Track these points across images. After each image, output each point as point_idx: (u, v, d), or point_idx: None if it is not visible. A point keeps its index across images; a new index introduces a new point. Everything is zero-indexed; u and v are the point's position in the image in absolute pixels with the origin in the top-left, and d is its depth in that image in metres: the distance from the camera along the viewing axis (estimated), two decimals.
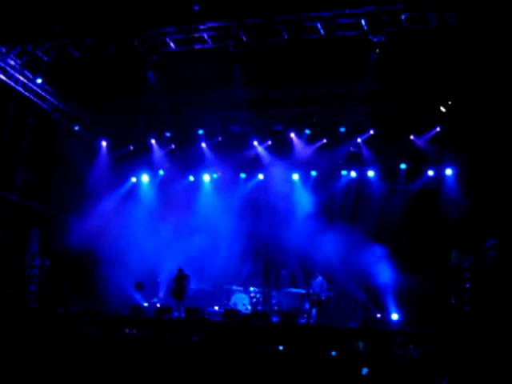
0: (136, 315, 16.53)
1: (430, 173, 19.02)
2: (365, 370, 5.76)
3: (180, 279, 18.36)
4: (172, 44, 15.98)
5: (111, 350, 5.90)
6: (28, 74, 17.60)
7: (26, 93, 18.23)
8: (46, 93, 18.81)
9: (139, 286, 18.72)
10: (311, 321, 17.39)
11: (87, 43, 16.15)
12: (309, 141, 19.83)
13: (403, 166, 19.37)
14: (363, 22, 14.36)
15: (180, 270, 18.42)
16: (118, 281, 18.54)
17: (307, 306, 18.03)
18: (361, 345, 14.11)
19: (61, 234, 18.96)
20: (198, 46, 15.91)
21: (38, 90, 18.47)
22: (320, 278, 17.77)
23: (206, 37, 15.62)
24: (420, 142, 18.72)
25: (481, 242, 16.32)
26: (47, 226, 19.91)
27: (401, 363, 7.32)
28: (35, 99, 18.63)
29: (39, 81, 17.75)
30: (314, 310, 17.55)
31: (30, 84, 18.03)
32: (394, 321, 17.42)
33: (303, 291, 18.69)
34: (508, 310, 14.58)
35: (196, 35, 15.59)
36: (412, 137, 18.74)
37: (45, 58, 16.84)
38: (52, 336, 7.01)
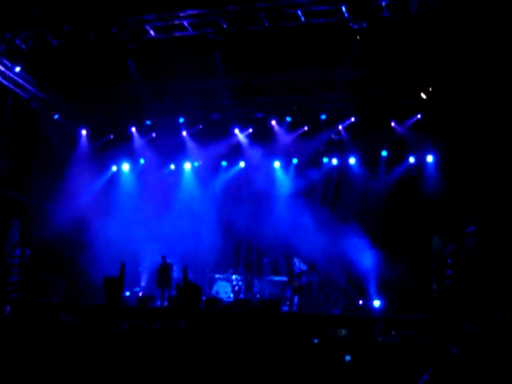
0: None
1: (411, 160, 19.07)
2: (347, 358, 5.76)
3: (164, 268, 18.39)
4: (152, 31, 15.84)
5: (93, 339, 5.86)
6: (6, 63, 17.37)
7: (4, 81, 18.01)
8: (25, 81, 18.57)
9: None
10: (294, 308, 17.47)
11: (66, 31, 15.96)
12: (290, 128, 19.78)
13: (384, 153, 19.41)
14: (344, 8, 14.31)
15: (163, 259, 18.43)
16: (100, 269, 18.49)
17: (289, 293, 18.12)
18: (343, 332, 14.17)
19: (41, 224, 18.80)
20: (178, 34, 15.77)
21: (17, 78, 18.23)
22: (297, 262, 17.98)
23: (186, 24, 15.47)
24: (401, 129, 18.75)
25: (461, 229, 16.40)
26: (28, 216, 19.75)
27: (383, 350, 7.35)
28: (14, 88, 18.42)
29: (18, 69, 17.54)
30: (296, 298, 17.64)
31: (9, 73, 17.78)
32: (375, 307, 17.51)
33: (285, 278, 18.76)
34: (487, 295, 14.71)
35: (176, 22, 15.44)
36: (393, 124, 18.76)
37: (23, 47, 16.63)
38: (33, 326, 6.96)
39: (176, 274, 18.77)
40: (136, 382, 5.34)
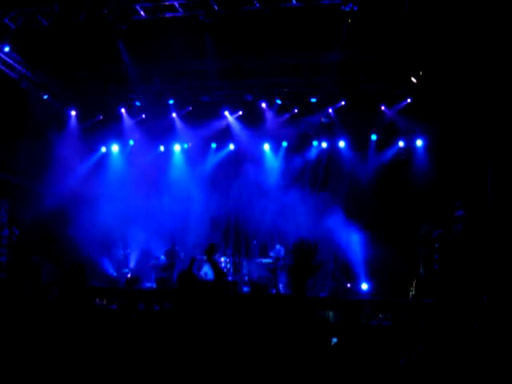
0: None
1: (401, 144, 19.12)
2: (334, 340, 5.80)
3: (171, 254, 18.60)
4: (142, 12, 15.72)
5: (81, 320, 5.87)
6: None
7: None
8: (14, 61, 18.40)
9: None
10: (280, 290, 17.59)
11: (56, 11, 15.85)
12: (280, 111, 19.78)
13: (374, 136, 19.43)
14: None
15: (173, 245, 18.67)
16: (88, 250, 18.52)
17: (279, 275, 18.25)
18: (331, 314, 14.25)
19: (30, 204, 18.78)
20: (168, 15, 15.70)
21: (6, 58, 18.07)
22: (278, 247, 18.15)
23: (176, 5, 15.40)
24: (391, 113, 18.77)
25: (450, 213, 16.48)
26: (16, 196, 19.72)
27: (370, 333, 7.40)
28: (3, 67, 18.29)
29: (7, 49, 17.39)
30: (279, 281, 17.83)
31: None
32: (363, 291, 17.61)
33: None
34: (474, 280, 14.82)
35: (166, 3, 15.36)
36: (383, 108, 18.79)
37: (12, 26, 16.52)
38: (22, 307, 6.95)
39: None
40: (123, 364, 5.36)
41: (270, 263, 18.59)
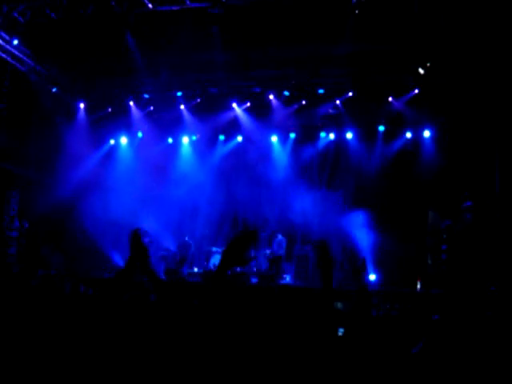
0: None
1: (408, 135, 19.10)
2: (341, 330, 5.85)
3: (184, 246, 18.74)
4: (150, 4, 15.80)
5: (93, 310, 5.94)
6: (4, 36, 17.31)
7: (2, 54, 17.96)
8: (24, 54, 18.52)
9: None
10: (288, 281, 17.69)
11: (64, 3, 15.94)
12: (288, 103, 19.83)
13: (382, 127, 19.43)
14: None
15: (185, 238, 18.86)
16: (98, 242, 18.63)
17: (285, 267, 18.35)
18: (339, 305, 14.31)
19: (40, 196, 18.89)
20: (176, 7, 15.75)
21: (15, 51, 18.18)
22: (280, 237, 18.23)
23: None
24: (399, 104, 18.76)
25: (458, 204, 16.50)
26: (26, 188, 19.84)
27: (376, 323, 7.46)
28: (12, 61, 18.39)
29: (16, 42, 17.52)
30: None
31: (7, 46, 17.74)
32: (371, 281, 17.65)
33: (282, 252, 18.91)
34: (482, 271, 14.84)
35: None
36: (391, 99, 18.79)
37: (21, 19, 16.61)
38: (32, 298, 7.03)
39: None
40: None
41: (269, 253, 18.66)
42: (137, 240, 5.75)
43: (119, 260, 19.04)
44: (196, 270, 19.22)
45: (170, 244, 19.43)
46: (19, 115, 18.98)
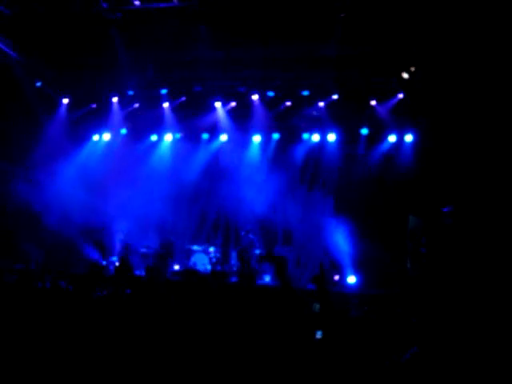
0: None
1: (391, 138, 19.20)
2: (319, 333, 5.91)
3: (167, 246, 18.74)
4: (137, 1, 15.77)
5: (74, 306, 5.96)
6: None
7: None
8: (9, 48, 18.42)
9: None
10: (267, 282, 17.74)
11: None
12: (272, 103, 19.88)
13: (365, 131, 19.52)
14: None
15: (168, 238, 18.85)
16: (72, 237, 18.56)
17: (265, 267, 18.36)
18: (317, 306, 14.36)
19: (17, 189, 18.72)
20: (163, 5, 15.74)
21: (0, 44, 18.09)
22: (251, 236, 18.31)
23: None
24: (382, 108, 18.88)
25: (438, 209, 16.60)
26: (2, 180, 19.63)
27: (355, 325, 7.51)
28: None
29: (2, 35, 17.42)
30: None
31: None
32: (351, 283, 17.73)
33: (261, 252, 18.96)
34: (461, 275, 14.94)
35: None
36: (374, 102, 18.91)
37: (8, 12, 16.51)
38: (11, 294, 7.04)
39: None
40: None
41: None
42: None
43: (95, 256, 18.98)
44: (177, 267, 19.21)
45: (152, 241, 19.39)
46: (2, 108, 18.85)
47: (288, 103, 19.79)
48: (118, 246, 19.95)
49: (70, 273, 16.86)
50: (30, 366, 5.07)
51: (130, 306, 6.40)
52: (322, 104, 19.48)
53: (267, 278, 18.09)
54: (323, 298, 6.22)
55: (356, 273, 17.82)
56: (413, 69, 17.55)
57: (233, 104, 20.37)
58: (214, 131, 20.99)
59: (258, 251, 18.99)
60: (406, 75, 17.58)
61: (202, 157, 20.91)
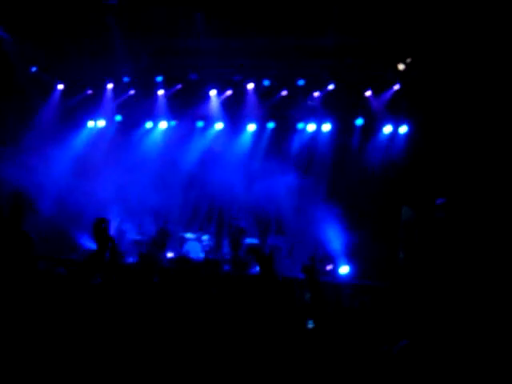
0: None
1: (386, 129, 19.20)
2: (310, 323, 5.92)
3: (162, 233, 18.71)
4: None
5: (70, 291, 5.95)
6: None
7: None
8: (3, 32, 18.31)
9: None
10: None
11: None
12: (268, 92, 19.87)
13: (360, 121, 19.52)
14: None
15: (164, 223, 18.84)
16: (62, 223, 18.51)
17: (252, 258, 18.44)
18: (308, 296, 14.38)
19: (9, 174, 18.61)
20: None
21: None
22: (241, 224, 18.44)
23: None
24: (378, 99, 18.89)
25: (431, 200, 16.62)
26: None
27: (348, 316, 7.53)
28: None
29: None
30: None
31: None
32: (343, 274, 17.77)
33: (255, 241, 18.98)
34: (453, 266, 14.98)
35: None
36: (370, 93, 18.91)
37: None
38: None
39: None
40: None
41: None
42: (99, 230, 5.79)
43: (87, 242, 18.94)
44: (171, 255, 19.22)
45: (146, 228, 19.38)
46: None
47: (284, 92, 19.77)
48: (112, 232, 19.84)
49: (66, 259, 16.89)
50: (27, 353, 5.07)
51: (123, 293, 6.40)
52: (318, 93, 19.46)
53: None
54: (313, 287, 6.24)
55: (349, 262, 17.86)
56: (409, 60, 17.54)
57: (228, 92, 20.35)
58: (209, 119, 20.95)
59: (249, 240, 19.01)
60: (402, 66, 17.56)
61: (196, 145, 20.88)
